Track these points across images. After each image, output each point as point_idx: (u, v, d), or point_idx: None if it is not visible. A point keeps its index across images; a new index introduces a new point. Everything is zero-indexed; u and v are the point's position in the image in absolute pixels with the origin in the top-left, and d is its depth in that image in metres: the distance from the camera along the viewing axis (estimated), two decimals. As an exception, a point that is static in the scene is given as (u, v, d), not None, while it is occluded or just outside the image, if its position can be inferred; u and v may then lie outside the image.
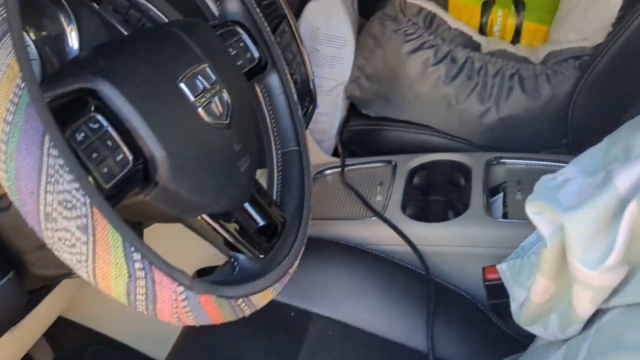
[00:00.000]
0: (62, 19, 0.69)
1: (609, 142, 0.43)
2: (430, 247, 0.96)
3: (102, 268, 0.41)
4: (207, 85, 0.55)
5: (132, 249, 0.42)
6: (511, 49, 1.15)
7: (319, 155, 1.25)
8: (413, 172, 1.12)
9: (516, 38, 1.26)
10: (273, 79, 0.71)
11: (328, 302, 0.89)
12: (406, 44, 1.14)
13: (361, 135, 1.29)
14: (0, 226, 0.54)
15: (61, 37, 0.68)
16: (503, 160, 1.09)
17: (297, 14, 1.25)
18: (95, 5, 0.77)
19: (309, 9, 1.21)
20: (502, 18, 1.24)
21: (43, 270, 0.58)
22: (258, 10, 0.71)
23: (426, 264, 0.92)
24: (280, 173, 0.69)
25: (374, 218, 1.01)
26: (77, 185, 0.39)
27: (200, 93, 0.54)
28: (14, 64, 0.38)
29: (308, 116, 1.13)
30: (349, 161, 1.20)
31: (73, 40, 0.70)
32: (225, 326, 0.77)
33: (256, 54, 0.69)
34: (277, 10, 1.08)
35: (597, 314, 0.42)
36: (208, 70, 0.56)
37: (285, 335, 0.85)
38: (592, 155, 0.43)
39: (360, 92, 1.24)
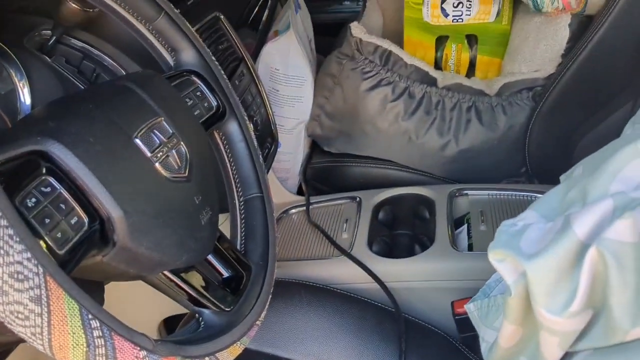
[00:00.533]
0: (13, 75, 0.68)
1: (565, 185, 0.44)
2: (398, 283, 0.96)
3: (59, 339, 0.39)
4: (163, 139, 0.55)
5: (90, 316, 0.41)
6: (466, 82, 1.17)
7: (283, 194, 1.24)
8: (378, 207, 1.12)
9: (471, 71, 1.29)
10: (232, 126, 0.71)
11: (298, 346, 0.88)
12: (364, 82, 1.16)
13: (325, 172, 1.29)
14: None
15: (12, 94, 0.67)
16: (465, 191, 1.11)
17: (255, 55, 1.25)
18: (46, 58, 0.76)
19: (266, 50, 1.22)
20: (456, 52, 1.27)
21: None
22: (214, 58, 0.71)
23: (395, 300, 0.92)
24: (243, 220, 0.69)
25: (341, 256, 1.01)
26: (28, 255, 0.38)
27: (157, 147, 0.54)
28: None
29: (271, 156, 1.13)
30: (313, 199, 1.20)
31: (25, 96, 0.68)
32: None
33: (214, 103, 0.68)
34: (235, 53, 1.09)
35: (565, 357, 0.42)
36: (164, 123, 0.56)
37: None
38: (550, 199, 0.44)
39: (321, 130, 1.25)
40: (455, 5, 1.23)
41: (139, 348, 0.44)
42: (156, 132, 0.54)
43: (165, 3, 0.66)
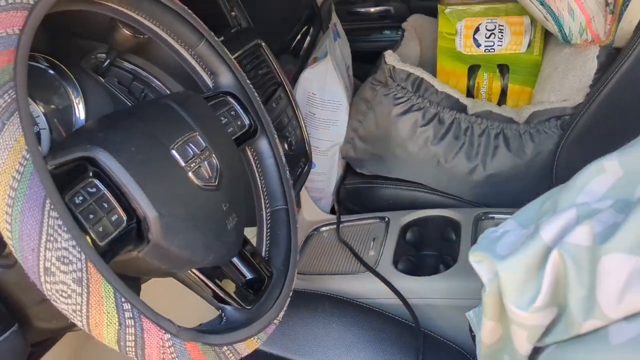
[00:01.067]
0: (70, 92, 0.76)
1: (544, 197, 0.48)
2: (420, 299, 0.99)
3: (95, 317, 0.46)
4: (197, 151, 0.61)
5: (123, 299, 0.47)
6: (496, 109, 1.21)
7: (316, 212, 1.30)
8: (405, 228, 1.16)
9: (502, 99, 1.33)
10: (263, 144, 0.77)
11: (320, 354, 0.92)
12: (396, 107, 1.21)
13: (357, 193, 1.34)
14: (5, 282, 0.59)
15: (69, 109, 0.75)
16: (491, 215, 1.14)
17: (295, 80, 1.33)
18: (100, 78, 0.84)
19: (304, 76, 1.29)
20: (487, 81, 1.31)
21: (45, 322, 0.63)
22: (249, 82, 0.78)
23: (415, 316, 0.96)
24: (269, 230, 0.74)
25: (366, 272, 1.05)
26: (73, 243, 0.45)
27: (191, 158, 0.60)
28: (20, 139, 0.44)
29: (304, 175, 1.19)
30: (344, 218, 1.25)
31: (80, 111, 0.77)
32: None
33: (247, 121, 0.75)
34: (274, 78, 1.16)
35: (537, 352, 0.45)
36: (199, 137, 0.62)
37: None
38: (529, 209, 0.48)
39: (354, 152, 1.30)
40: (487, 36, 1.28)
41: (164, 331, 0.50)
42: (191, 145, 0.61)
43: (206, 31, 0.73)
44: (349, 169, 1.38)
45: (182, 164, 0.59)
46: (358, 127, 1.28)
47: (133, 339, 0.48)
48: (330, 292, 1.03)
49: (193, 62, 0.74)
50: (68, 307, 0.45)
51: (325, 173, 1.36)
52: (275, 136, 0.79)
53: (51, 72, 0.75)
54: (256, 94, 0.78)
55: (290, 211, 0.76)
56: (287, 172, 0.79)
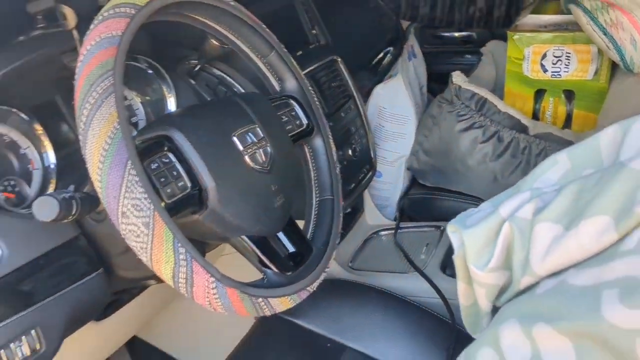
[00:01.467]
0: (164, 89, 0.92)
1: (515, 186, 0.56)
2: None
3: (157, 255, 0.59)
4: (255, 140, 0.74)
5: (179, 244, 0.60)
6: (557, 132, 1.26)
7: (377, 217, 1.40)
8: (458, 237, 1.24)
9: (567, 124, 1.37)
10: (318, 142, 0.89)
11: (362, 338, 1.02)
12: (459, 123, 1.29)
13: (418, 203, 1.42)
14: (97, 233, 0.74)
15: (161, 102, 0.91)
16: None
17: (368, 95, 1.44)
18: (191, 81, 1.00)
19: (376, 91, 1.40)
20: (553, 105, 1.37)
21: (125, 271, 0.78)
22: (310, 89, 0.90)
23: (452, 313, 1.03)
24: (315, 215, 0.86)
25: (414, 273, 1.14)
26: (145, 195, 0.58)
27: (249, 145, 0.73)
28: (114, 113, 0.58)
29: (366, 181, 1.30)
30: (403, 224, 1.34)
31: (171, 104, 0.92)
32: (271, 346, 0.94)
33: (305, 121, 0.87)
34: (346, 90, 1.28)
35: (495, 311, 0.53)
36: (258, 129, 0.75)
37: (319, 361, 0.99)
38: (503, 194, 0.56)
39: (418, 164, 1.39)
40: (554, 62, 1.33)
41: (209, 275, 0.62)
42: (250, 134, 0.74)
43: (276, 43, 0.86)
44: (414, 181, 1.47)
45: (241, 148, 0.72)
46: (423, 140, 1.37)
47: (184, 277, 0.61)
48: (379, 286, 1.13)
49: (264, 69, 0.87)
50: (137, 244, 0.59)
51: (391, 182, 1.45)
52: (330, 137, 0.90)
53: (150, 71, 0.92)
54: (316, 100, 0.90)
55: (335, 202, 0.87)
56: (338, 168, 0.90)
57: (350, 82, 1.29)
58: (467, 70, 1.58)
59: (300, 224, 0.85)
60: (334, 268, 1.21)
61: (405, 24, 1.78)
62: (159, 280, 0.81)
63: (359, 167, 1.26)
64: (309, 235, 0.84)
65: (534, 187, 0.52)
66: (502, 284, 0.51)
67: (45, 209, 0.61)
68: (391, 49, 1.67)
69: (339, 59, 1.28)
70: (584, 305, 0.41)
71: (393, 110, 1.40)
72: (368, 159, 1.30)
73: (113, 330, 0.98)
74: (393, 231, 1.32)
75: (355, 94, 1.29)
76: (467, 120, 1.29)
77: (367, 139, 1.30)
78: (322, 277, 0.79)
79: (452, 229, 0.57)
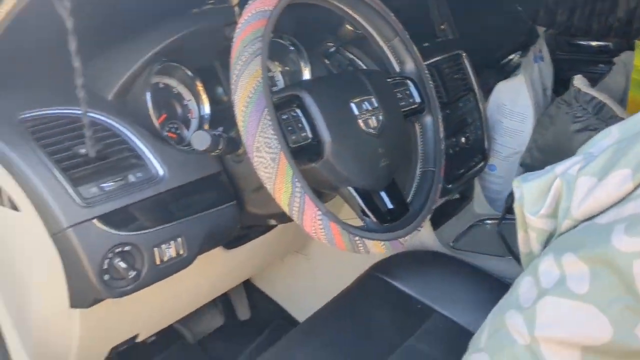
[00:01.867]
0: (301, 64, 1.09)
1: (577, 150, 0.64)
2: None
3: (278, 185, 0.74)
4: (369, 108, 0.88)
5: (296, 179, 0.75)
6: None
7: (485, 207, 1.48)
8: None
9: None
10: (427, 120, 1.00)
11: (451, 306, 1.12)
12: (574, 124, 1.34)
13: (527, 199, 1.48)
14: (235, 172, 0.92)
15: (298, 74, 1.07)
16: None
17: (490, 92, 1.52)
18: (326, 61, 1.16)
19: (498, 87, 1.48)
20: (678, 115, 1.36)
21: (253, 208, 0.95)
22: (427, 72, 1.01)
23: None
24: (417, 182, 0.97)
25: (509, 257, 1.22)
26: (275, 137, 0.74)
27: (363, 112, 0.87)
28: (259, 70, 0.74)
29: (478, 169, 1.39)
30: (509, 216, 1.41)
31: (306, 75, 1.08)
32: (365, 301, 1.06)
33: (417, 100, 0.99)
34: (468, 84, 1.38)
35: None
36: (373, 100, 0.89)
37: (407, 319, 1.10)
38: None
39: (531, 160, 1.45)
40: (683, 72, 1.33)
41: (317, 208, 0.76)
42: (366, 103, 0.88)
43: (401, 30, 0.98)
44: (526, 178, 1.53)
45: (356, 113, 0.86)
46: (538, 138, 1.43)
47: (297, 206, 0.76)
48: (476, 266, 1.22)
49: (387, 51, 1.00)
50: (265, 174, 0.74)
51: (503, 177, 1.52)
52: (439, 117, 1.01)
53: (291, 48, 1.09)
54: (431, 83, 1.02)
55: (436, 174, 0.98)
56: (443, 145, 1.00)
57: (472, 77, 1.38)
58: (597, 79, 1.61)
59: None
60: (435, 244, 1.32)
61: (541, 29, 1.82)
62: (280, 220, 0.98)
63: (470, 156, 1.35)
64: (409, 199, 0.96)
65: (585, 152, 0.61)
66: (550, 230, 0.60)
67: (201, 140, 0.79)
68: (522, 52, 1.73)
69: (464, 54, 1.38)
70: (600, 237, 0.50)
71: (513, 107, 1.47)
72: (481, 149, 1.39)
73: (238, 261, 1.16)
74: (497, 221, 1.39)
75: (476, 88, 1.38)
76: (582, 122, 1.33)
77: (482, 131, 1.38)
78: (413, 234, 0.90)
79: (516, 184, 0.66)
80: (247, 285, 1.61)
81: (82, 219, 0.77)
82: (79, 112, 0.83)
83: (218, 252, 1.04)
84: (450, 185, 1.28)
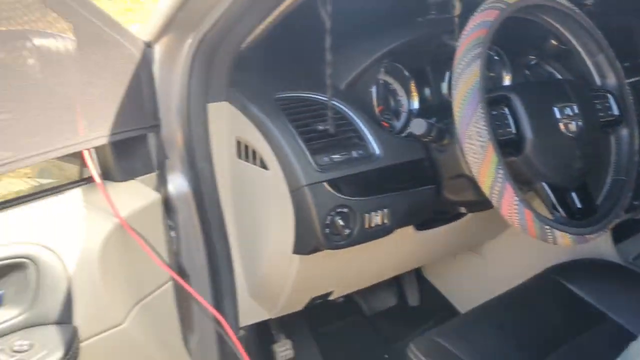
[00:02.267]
0: (504, 72, 1.20)
1: None
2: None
3: (483, 170, 0.86)
4: (570, 113, 0.96)
5: (500, 167, 0.86)
6: None
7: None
8: None
9: None
10: (624, 132, 1.05)
11: (626, 314, 1.15)
12: None
13: None
14: (437, 160, 1.05)
15: (497, 79, 1.18)
16: None
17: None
18: (526, 71, 1.25)
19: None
20: None
21: (449, 194, 1.07)
22: (627, 87, 1.07)
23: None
24: (607, 189, 1.03)
25: None
26: (486, 128, 0.86)
27: (565, 116, 0.96)
28: (477, 71, 0.87)
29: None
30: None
31: (506, 82, 1.19)
32: (536, 300, 1.14)
33: (616, 112, 1.05)
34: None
35: None
36: (575, 107, 0.97)
37: (577, 320, 1.14)
38: None
39: None
40: None
41: (516, 195, 0.87)
42: (568, 109, 0.97)
43: (606, 46, 1.05)
44: None
45: (558, 116, 0.95)
46: None
47: (498, 191, 0.87)
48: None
49: (591, 66, 1.07)
50: (473, 159, 0.86)
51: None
52: (637, 130, 1.06)
53: (496, 57, 1.20)
54: (631, 98, 1.07)
55: (627, 183, 1.03)
56: (637, 157, 1.05)
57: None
58: None
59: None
60: (615, 257, 1.34)
61: None
62: (469, 209, 1.10)
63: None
64: (598, 202, 1.02)
65: None
66: None
67: (419, 126, 0.94)
68: None
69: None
70: None
71: None
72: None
73: (423, 243, 1.28)
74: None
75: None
76: None
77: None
78: (599, 233, 0.97)
79: None
80: (418, 277, 1.74)
81: (316, 180, 0.95)
82: (320, 96, 1.02)
83: (409, 231, 1.17)
84: (636, 202, 1.30)
